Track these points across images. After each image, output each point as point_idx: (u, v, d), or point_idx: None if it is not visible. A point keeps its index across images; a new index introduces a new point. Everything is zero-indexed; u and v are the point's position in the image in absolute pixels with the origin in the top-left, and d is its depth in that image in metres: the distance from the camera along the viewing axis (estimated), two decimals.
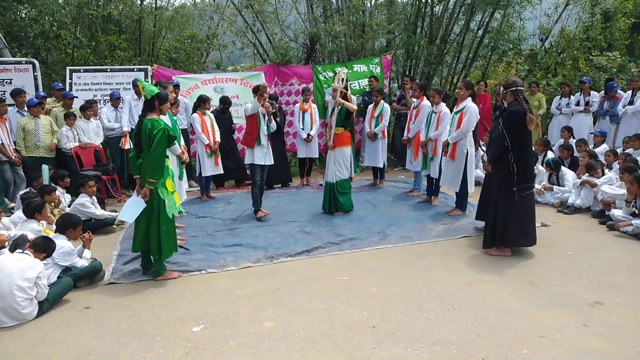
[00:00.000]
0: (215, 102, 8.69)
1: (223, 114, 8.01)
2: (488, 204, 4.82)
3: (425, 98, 6.95)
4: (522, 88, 4.69)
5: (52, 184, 5.95)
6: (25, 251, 3.79)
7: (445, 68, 11.60)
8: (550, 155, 7.24)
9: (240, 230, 5.79)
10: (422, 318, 3.46)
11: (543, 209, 6.37)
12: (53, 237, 4.27)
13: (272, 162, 6.25)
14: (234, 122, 8.39)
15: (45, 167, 6.22)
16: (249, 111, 5.92)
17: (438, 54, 10.69)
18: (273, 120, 6.30)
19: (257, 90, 5.88)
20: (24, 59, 8.31)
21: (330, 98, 7.97)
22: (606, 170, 6.42)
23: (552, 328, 3.27)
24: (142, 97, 4.52)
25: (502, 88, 4.69)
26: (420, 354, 3.00)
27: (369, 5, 11.09)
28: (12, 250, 3.93)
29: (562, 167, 6.84)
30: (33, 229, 4.75)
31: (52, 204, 5.60)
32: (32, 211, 4.86)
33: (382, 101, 7.73)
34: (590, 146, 7.50)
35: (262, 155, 6.03)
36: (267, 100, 6.00)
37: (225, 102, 8.08)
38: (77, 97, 7.98)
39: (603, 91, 8.57)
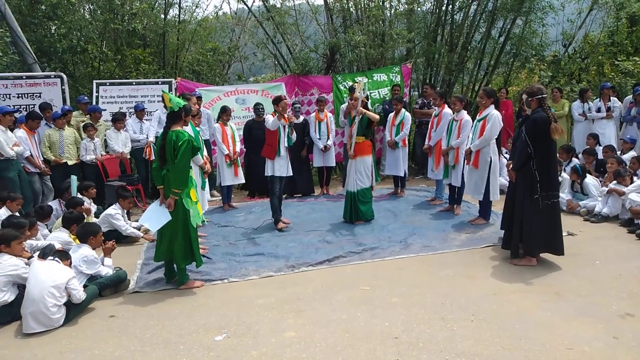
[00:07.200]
0: (237, 114, 8.83)
1: (259, 123, 8.00)
2: (514, 212, 4.74)
3: (446, 106, 6.92)
4: (546, 95, 4.63)
5: (79, 195, 6.09)
6: (55, 258, 3.90)
7: (466, 75, 11.52)
8: (575, 161, 7.09)
9: (262, 240, 5.82)
10: (446, 329, 3.41)
11: (569, 217, 6.23)
12: (77, 246, 4.38)
13: (291, 174, 6.29)
14: None
15: (73, 178, 6.33)
16: (270, 126, 5.91)
17: (459, 61, 10.62)
18: (294, 132, 6.33)
19: (278, 101, 5.92)
20: (53, 73, 8.56)
21: (344, 107, 8.04)
22: (634, 178, 6.25)
23: (580, 340, 3.18)
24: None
25: (525, 95, 4.62)
26: None
27: (388, 14, 11.12)
28: (41, 258, 4.04)
29: (587, 175, 6.67)
30: (63, 239, 4.88)
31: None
32: (72, 222, 5.02)
33: (402, 109, 7.71)
34: (617, 153, 7.33)
35: (281, 167, 6.06)
36: (290, 108, 5.97)
37: (257, 109, 8.01)
38: (104, 110, 8.19)
39: (631, 96, 8.36)
